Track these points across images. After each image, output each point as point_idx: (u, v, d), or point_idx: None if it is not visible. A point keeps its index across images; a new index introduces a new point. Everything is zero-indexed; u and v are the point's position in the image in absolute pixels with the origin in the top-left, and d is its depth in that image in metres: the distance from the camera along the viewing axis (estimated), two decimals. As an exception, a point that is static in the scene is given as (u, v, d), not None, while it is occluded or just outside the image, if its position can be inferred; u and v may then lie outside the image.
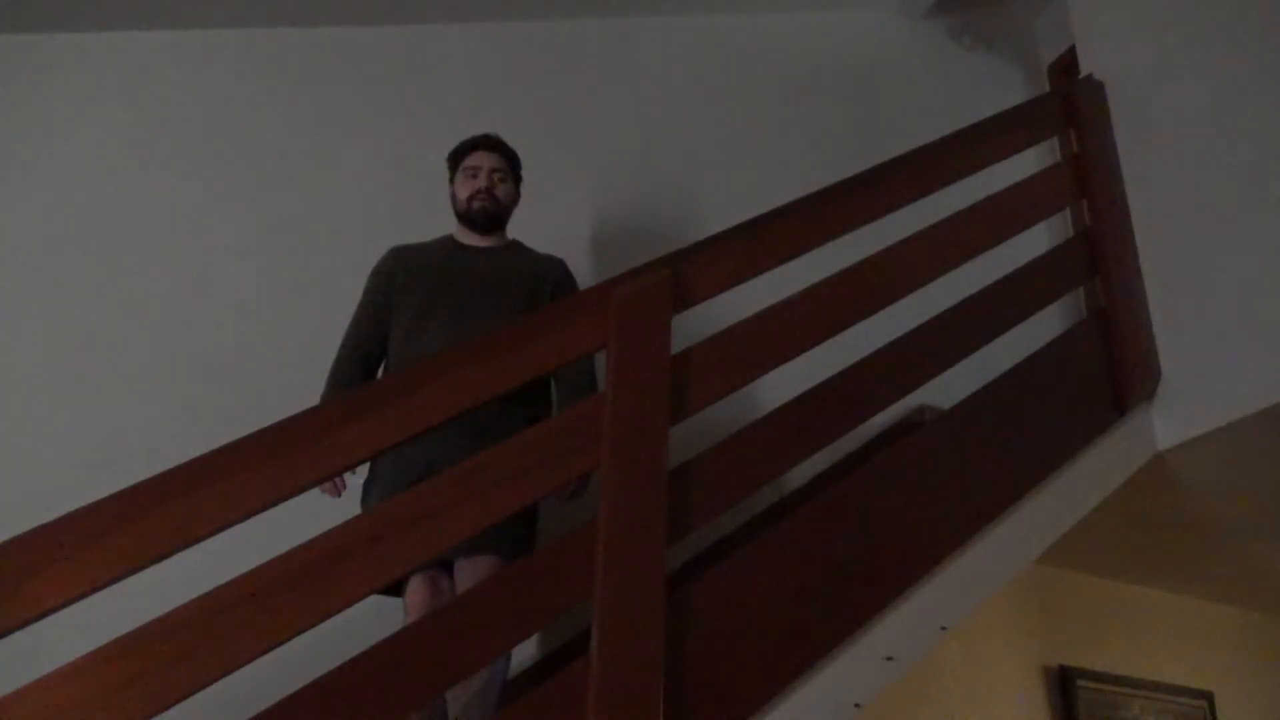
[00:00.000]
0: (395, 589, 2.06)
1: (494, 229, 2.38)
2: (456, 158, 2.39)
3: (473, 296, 2.26)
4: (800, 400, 1.96)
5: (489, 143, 2.38)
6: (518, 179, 2.42)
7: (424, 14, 3.14)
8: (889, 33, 3.88)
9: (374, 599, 1.61)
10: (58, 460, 2.39)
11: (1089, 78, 2.67)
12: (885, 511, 1.97)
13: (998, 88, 3.90)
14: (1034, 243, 2.56)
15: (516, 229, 2.44)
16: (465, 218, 2.36)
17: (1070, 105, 2.60)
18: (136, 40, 2.86)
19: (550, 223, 2.54)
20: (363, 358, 2.29)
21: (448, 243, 2.39)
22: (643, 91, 3.38)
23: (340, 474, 1.58)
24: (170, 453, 1.54)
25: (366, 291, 2.34)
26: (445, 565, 2.08)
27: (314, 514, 1.63)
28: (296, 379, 2.26)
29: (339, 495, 2.15)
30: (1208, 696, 3.36)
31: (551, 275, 2.36)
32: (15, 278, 2.56)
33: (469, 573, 2.03)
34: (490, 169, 2.35)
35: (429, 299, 2.26)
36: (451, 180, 2.40)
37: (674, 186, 3.27)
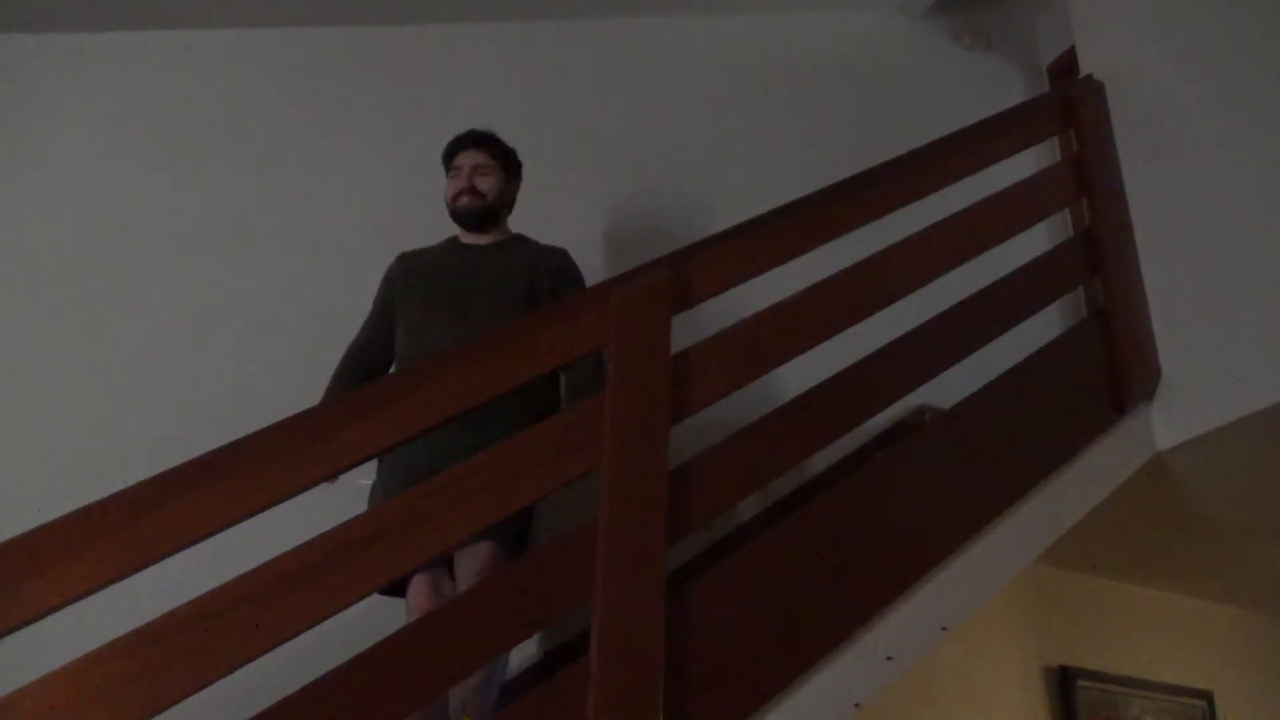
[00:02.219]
0: (397, 589, 2.06)
1: (486, 225, 2.37)
2: (444, 161, 2.41)
3: (471, 294, 2.26)
4: (800, 400, 1.96)
5: (471, 139, 2.38)
6: (510, 172, 2.41)
7: (424, 14, 3.14)
8: (889, 33, 3.87)
9: (374, 599, 1.61)
10: (58, 460, 2.38)
11: (1089, 78, 2.67)
12: (885, 511, 1.97)
13: (998, 88, 3.90)
14: (1034, 243, 2.56)
15: (518, 229, 2.44)
16: (454, 217, 2.37)
17: (1070, 105, 2.60)
18: (136, 40, 2.86)
19: (549, 222, 2.54)
20: (361, 366, 2.31)
21: (451, 244, 2.40)
22: (642, 91, 3.38)
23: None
24: (170, 453, 1.54)
25: (375, 297, 2.38)
26: (447, 565, 2.08)
27: (314, 514, 1.63)
28: (297, 379, 2.26)
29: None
30: (1208, 696, 3.36)
31: (550, 265, 2.34)
32: (15, 277, 2.56)
33: (468, 560, 2.04)
34: (471, 166, 2.35)
35: (429, 299, 2.28)
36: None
37: (673, 186, 3.27)
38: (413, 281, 2.31)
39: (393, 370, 2.31)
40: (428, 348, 2.18)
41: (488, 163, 2.37)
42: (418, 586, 2.05)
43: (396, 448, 1.69)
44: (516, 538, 2.07)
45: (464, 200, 2.34)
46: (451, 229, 2.42)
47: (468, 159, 2.36)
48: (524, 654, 2.45)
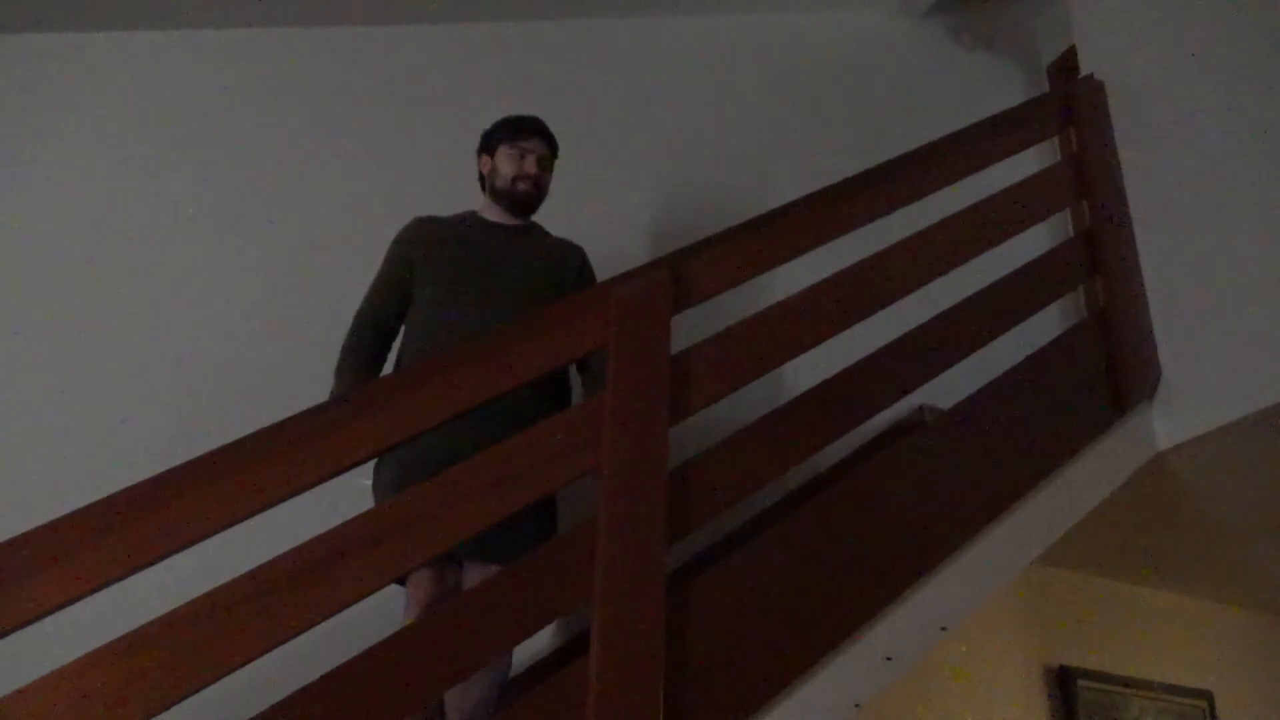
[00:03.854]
0: (399, 577, 2.04)
1: (527, 214, 2.39)
2: (507, 134, 2.37)
3: (498, 275, 2.27)
4: (800, 400, 1.96)
5: (544, 130, 2.39)
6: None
7: (424, 14, 3.14)
8: (889, 33, 3.88)
9: (374, 598, 1.60)
10: (58, 460, 2.38)
11: (1089, 78, 2.67)
12: (885, 511, 1.97)
13: (998, 88, 3.90)
14: (1034, 243, 2.56)
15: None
16: (505, 195, 2.36)
17: (1070, 105, 2.60)
18: (136, 40, 2.86)
19: (548, 222, 2.54)
20: (381, 330, 2.29)
21: (473, 219, 2.39)
22: (640, 91, 3.38)
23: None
24: (170, 453, 1.54)
25: (387, 260, 2.34)
26: (452, 557, 2.07)
27: (314, 514, 1.63)
28: (298, 378, 2.26)
29: None
30: (1208, 696, 3.36)
31: (573, 260, 2.39)
32: (15, 277, 2.56)
33: (477, 577, 2.02)
34: (540, 156, 2.36)
35: (457, 275, 2.26)
36: (489, 152, 2.39)
37: (674, 186, 3.27)
38: (437, 252, 2.29)
39: (404, 342, 2.29)
40: (455, 326, 2.18)
41: (550, 159, 2.40)
42: (419, 579, 2.02)
43: (397, 447, 1.69)
44: None
45: (525, 187, 2.34)
46: (455, 209, 2.41)
47: (537, 147, 2.36)
48: (524, 654, 2.45)
